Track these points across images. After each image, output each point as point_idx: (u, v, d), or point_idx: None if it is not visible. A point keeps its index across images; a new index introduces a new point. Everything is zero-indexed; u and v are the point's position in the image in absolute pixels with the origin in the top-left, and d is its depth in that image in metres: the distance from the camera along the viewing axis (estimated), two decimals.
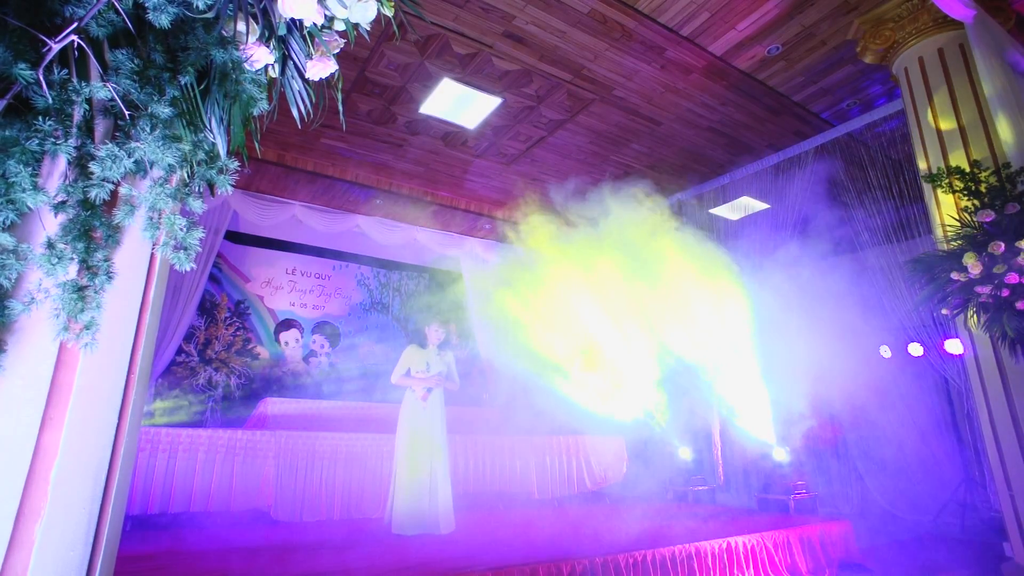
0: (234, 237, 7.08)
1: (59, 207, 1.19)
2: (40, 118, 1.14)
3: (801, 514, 5.42)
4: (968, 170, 3.32)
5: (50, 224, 1.21)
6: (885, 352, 6.75)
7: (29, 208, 1.13)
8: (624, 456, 6.61)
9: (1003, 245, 2.96)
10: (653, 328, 7.08)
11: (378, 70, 4.68)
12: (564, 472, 6.07)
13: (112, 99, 1.21)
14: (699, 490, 6.57)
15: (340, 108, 1.67)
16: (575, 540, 3.74)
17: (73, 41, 1.17)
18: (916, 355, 6.45)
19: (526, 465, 5.84)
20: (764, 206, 6.80)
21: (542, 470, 5.92)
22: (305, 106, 1.55)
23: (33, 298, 1.16)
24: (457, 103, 5.10)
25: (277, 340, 7.35)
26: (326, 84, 1.58)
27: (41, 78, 1.13)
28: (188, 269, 1.30)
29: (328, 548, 3.55)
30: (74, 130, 1.20)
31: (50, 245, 1.17)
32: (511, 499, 5.75)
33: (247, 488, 4.51)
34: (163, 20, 1.21)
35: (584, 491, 6.18)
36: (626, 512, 5.45)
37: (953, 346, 5.71)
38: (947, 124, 3.81)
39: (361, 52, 4.44)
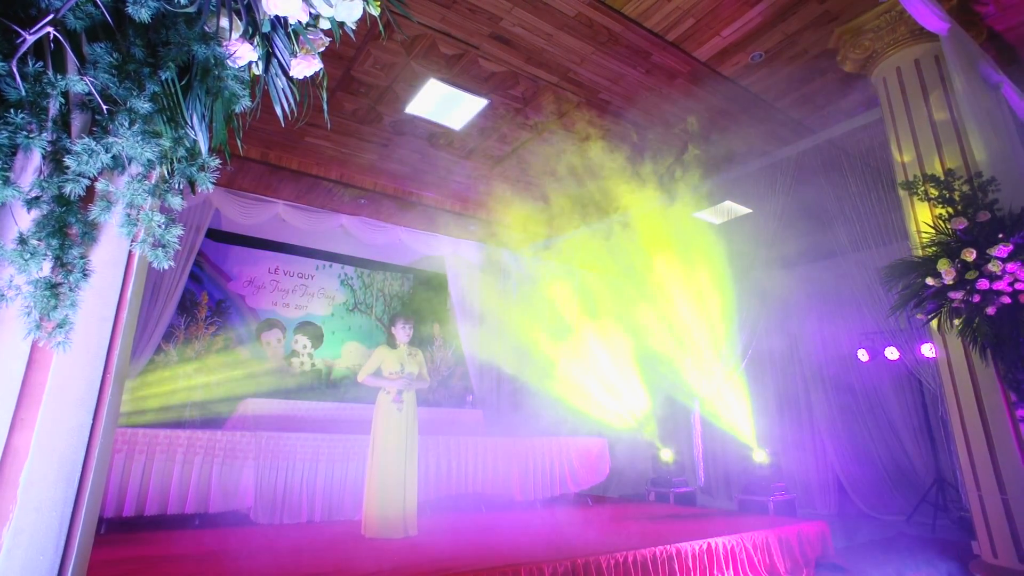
0: (216, 235, 6.97)
1: (32, 202, 1.17)
2: (12, 110, 1.11)
3: (780, 515, 5.50)
4: (942, 178, 3.41)
5: (23, 220, 1.18)
6: (862, 355, 6.88)
7: None
8: (607, 458, 6.64)
9: (975, 252, 3.05)
10: (635, 329, 7.14)
11: (364, 69, 4.65)
12: (547, 474, 6.07)
13: (89, 93, 1.19)
14: (680, 492, 6.62)
15: (325, 107, 1.66)
16: (557, 541, 3.75)
17: (49, 33, 1.15)
18: (892, 359, 6.58)
19: (508, 467, 5.82)
20: (746, 211, 6.89)
21: (524, 472, 5.91)
22: (289, 104, 1.53)
23: (3, 295, 1.13)
24: (443, 104, 5.09)
25: (259, 340, 7.25)
26: (311, 82, 1.57)
27: (14, 70, 1.11)
28: (166, 267, 1.28)
29: (308, 551, 3.51)
30: (49, 124, 1.18)
31: (22, 241, 1.14)
32: (493, 501, 5.74)
33: (226, 490, 4.44)
34: (143, 14, 1.19)
35: (566, 493, 6.19)
36: (608, 513, 5.47)
37: (927, 350, 5.84)
38: (923, 133, 3.91)
39: (347, 51, 4.41)
